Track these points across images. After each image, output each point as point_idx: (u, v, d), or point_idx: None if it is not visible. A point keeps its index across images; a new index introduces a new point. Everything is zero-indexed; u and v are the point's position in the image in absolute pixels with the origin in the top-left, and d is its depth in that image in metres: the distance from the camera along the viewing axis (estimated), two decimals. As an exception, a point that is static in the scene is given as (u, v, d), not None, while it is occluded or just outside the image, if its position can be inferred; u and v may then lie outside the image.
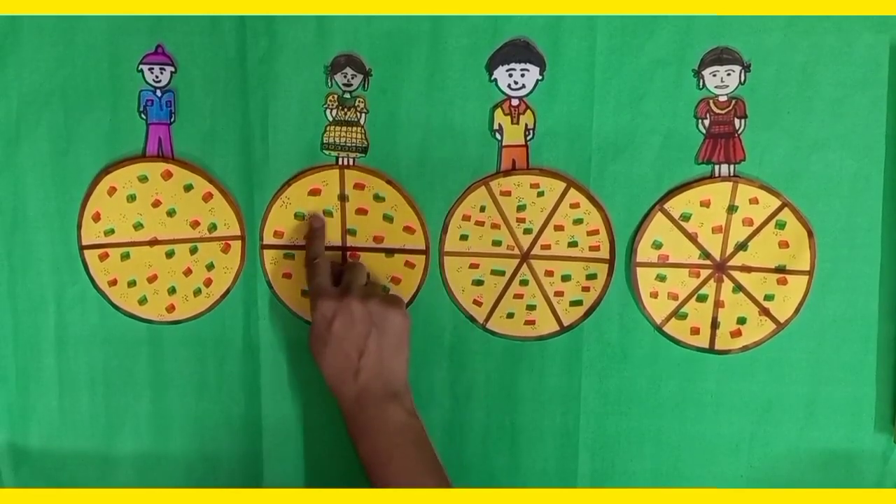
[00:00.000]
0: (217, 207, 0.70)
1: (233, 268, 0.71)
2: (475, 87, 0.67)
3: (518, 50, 0.66)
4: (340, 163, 0.69)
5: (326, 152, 0.69)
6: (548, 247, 0.69)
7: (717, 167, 0.67)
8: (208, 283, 0.71)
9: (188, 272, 0.71)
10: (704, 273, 0.68)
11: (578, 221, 0.68)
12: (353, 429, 0.64)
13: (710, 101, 0.66)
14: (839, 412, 0.69)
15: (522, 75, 0.67)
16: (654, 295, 0.68)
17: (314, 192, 0.69)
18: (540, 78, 0.67)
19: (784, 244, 0.67)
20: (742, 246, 0.67)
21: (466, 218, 0.69)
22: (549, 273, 0.69)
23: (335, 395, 0.65)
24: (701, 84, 0.66)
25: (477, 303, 0.70)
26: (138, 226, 0.70)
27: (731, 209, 0.67)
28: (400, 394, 0.65)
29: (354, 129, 0.68)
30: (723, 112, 0.66)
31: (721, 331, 0.68)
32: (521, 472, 0.72)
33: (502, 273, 0.69)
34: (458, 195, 0.68)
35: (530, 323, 0.70)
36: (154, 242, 0.71)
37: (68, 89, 0.69)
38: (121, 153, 0.70)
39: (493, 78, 0.67)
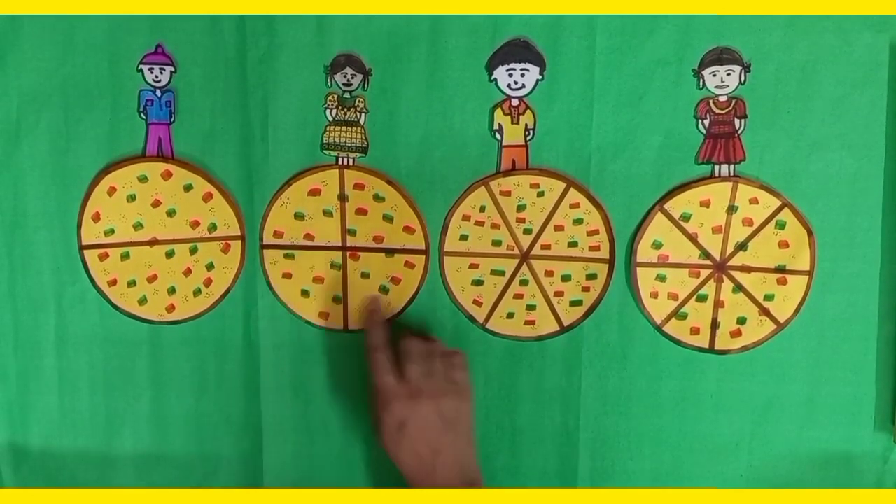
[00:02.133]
0: (217, 207, 0.70)
1: (233, 268, 0.71)
2: (475, 87, 0.67)
3: (518, 50, 0.66)
4: (340, 163, 0.69)
5: (326, 152, 0.69)
6: (548, 247, 0.69)
7: (717, 167, 0.67)
8: (208, 283, 0.71)
9: (188, 272, 0.71)
10: (704, 273, 0.68)
11: (578, 221, 0.68)
12: None
13: (710, 101, 0.66)
14: (839, 412, 0.69)
15: (522, 75, 0.67)
16: (654, 295, 0.68)
17: (314, 192, 0.69)
18: (540, 78, 0.67)
19: (784, 244, 0.67)
20: (742, 246, 0.67)
21: (466, 218, 0.69)
22: (549, 273, 0.69)
23: (413, 485, 0.64)
24: (701, 84, 0.66)
25: (477, 303, 0.70)
26: (138, 226, 0.70)
27: (731, 209, 0.67)
28: (476, 479, 0.64)
29: (354, 129, 0.68)
30: (723, 112, 0.66)
31: (721, 331, 0.68)
32: (521, 472, 0.72)
33: (502, 273, 0.69)
34: (458, 195, 0.68)
35: (530, 323, 0.70)
36: (154, 242, 0.71)
37: (68, 89, 0.69)
38: (121, 153, 0.70)
39: (493, 78, 0.67)
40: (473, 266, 0.69)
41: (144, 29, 0.68)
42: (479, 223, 0.69)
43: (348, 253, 0.70)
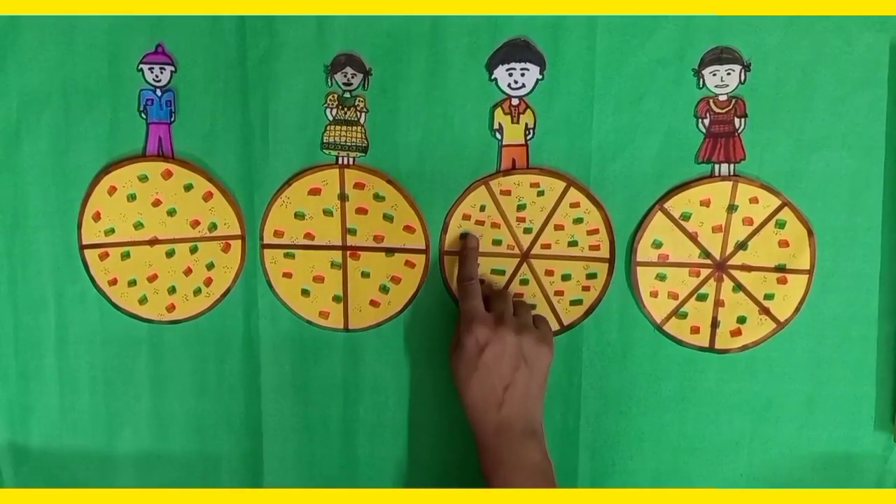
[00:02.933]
0: (217, 207, 0.70)
1: (233, 267, 0.71)
2: (475, 87, 0.67)
3: (518, 49, 0.66)
4: (340, 162, 0.69)
5: (326, 152, 0.69)
6: (548, 246, 0.69)
7: (717, 166, 0.67)
8: (208, 282, 0.71)
9: (188, 272, 0.71)
10: (704, 272, 0.68)
11: (578, 221, 0.68)
12: (489, 460, 0.63)
13: (710, 101, 0.66)
14: (839, 411, 0.69)
15: (522, 75, 0.67)
16: (654, 294, 0.68)
17: (314, 192, 0.69)
18: (540, 77, 0.67)
19: (784, 243, 0.67)
20: (742, 245, 0.67)
21: (466, 217, 0.69)
22: (549, 272, 0.69)
23: (472, 422, 0.64)
24: (701, 83, 0.66)
25: (477, 302, 0.70)
26: (138, 225, 0.70)
27: (731, 208, 0.67)
28: (538, 433, 0.64)
29: (354, 128, 0.68)
30: (723, 111, 0.66)
31: (721, 330, 0.68)
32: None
33: (502, 272, 0.69)
34: (458, 194, 0.68)
35: (530, 322, 0.70)
36: (154, 242, 0.71)
37: (68, 89, 0.69)
38: (121, 153, 0.70)
39: (493, 77, 0.67)
40: (473, 265, 0.70)
41: (144, 29, 0.68)
42: (480, 222, 0.69)
43: (348, 252, 0.70)
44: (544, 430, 0.65)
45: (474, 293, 0.66)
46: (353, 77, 0.67)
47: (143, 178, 0.70)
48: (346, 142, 0.68)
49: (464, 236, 0.69)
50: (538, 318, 0.68)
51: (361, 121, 0.68)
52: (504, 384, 0.63)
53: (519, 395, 0.63)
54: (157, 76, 0.68)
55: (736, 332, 0.68)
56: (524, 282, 0.69)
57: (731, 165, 0.67)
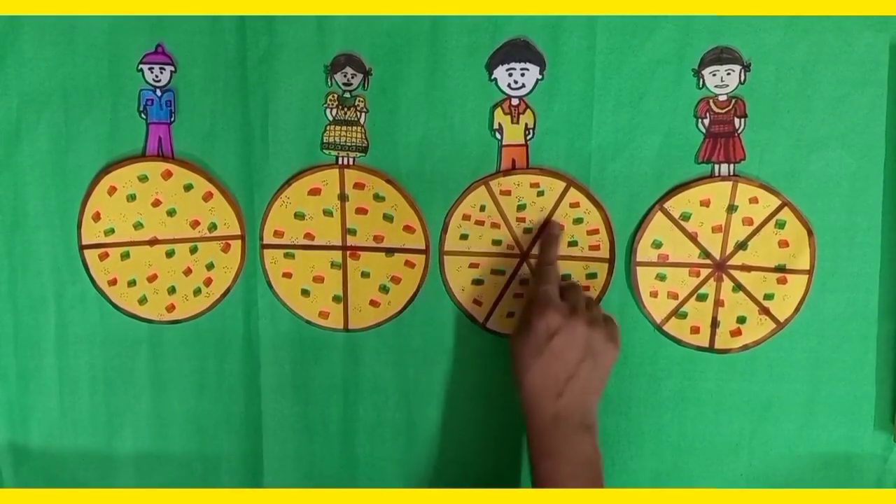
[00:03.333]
0: (217, 207, 0.70)
1: (233, 267, 0.71)
2: (475, 87, 0.67)
3: (518, 49, 0.66)
4: (340, 162, 0.69)
5: (326, 152, 0.69)
6: (548, 246, 0.69)
7: (716, 166, 0.67)
8: (208, 282, 0.71)
9: (188, 272, 0.71)
10: (704, 272, 0.68)
11: (578, 221, 0.68)
12: (540, 447, 0.62)
13: (710, 101, 0.66)
14: (839, 411, 0.69)
15: (522, 75, 0.67)
16: (654, 294, 0.68)
17: (314, 192, 0.69)
18: (540, 77, 0.67)
19: (784, 243, 0.67)
20: (742, 245, 0.67)
21: (466, 217, 0.69)
22: (549, 272, 0.69)
23: (528, 407, 0.63)
24: (701, 83, 0.66)
25: (477, 302, 0.70)
26: (138, 225, 0.70)
27: (731, 208, 0.67)
28: (592, 428, 0.64)
29: (354, 128, 0.68)
30: (723, 111, 0.66)
31: (721, 330, 0.68)
32: (521, 471, 0.72)
33: (502, 272, 0.69)
34: (458, 194, 0.68)
35: (530, 322, 0.70)
36: (154, 242, 0.71)
37: (68, 89, 0.69)
38: (121, 153, 0.70)
39: (492, 77, 0.67)
40: (473, 265, 0.69)
41: (144, 29, 0.68)
42: (480, 222, 0.69)
43: (348, 252, 0.70)
44: (598, 426, 0.64)
45: (551, 277, 0.66)
46: (353, 77, 0.67)
47: (143, 178, 0.70)
48: (346, 142, 0.68)
49: (548, 223, 0.68)
50: (607, 316, 0.67)
51: (361, 121, 0.68)
52: (568, 374, 0.62)
53: (580, 388, 0.63)
54: (157, 76, 0.68)
55: (736, 332, 0.68)
56: (524, 282, 0.69)
57: (731, 165, 0.67)
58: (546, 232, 0.68)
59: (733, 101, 0.66)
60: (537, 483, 0.62)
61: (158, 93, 0.69)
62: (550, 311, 0.62)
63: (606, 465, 0.70)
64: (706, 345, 0.69)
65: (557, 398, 0.62)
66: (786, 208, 0.66)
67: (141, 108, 0.69)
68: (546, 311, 0.62)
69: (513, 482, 0.72)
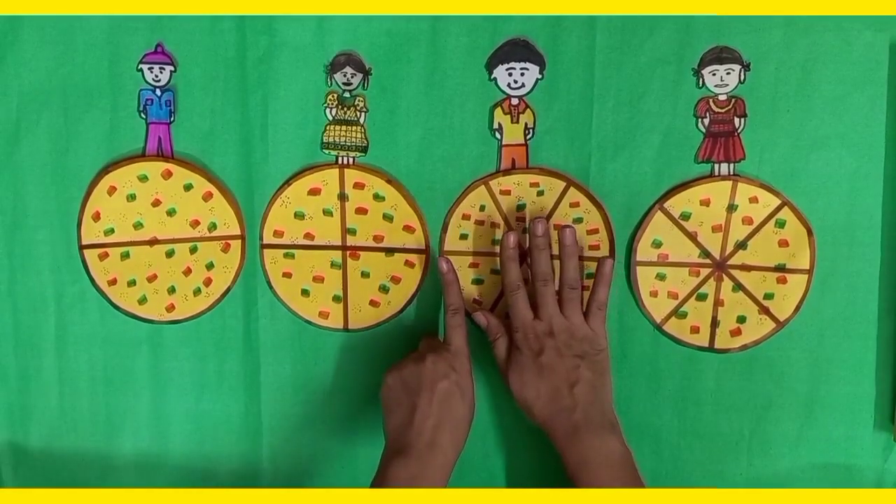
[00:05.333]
0: (217, 207, 0.70)
1: (233, 267, 0.71)
2: (475, 87, 0.67)
3: (518, 49, 0.67)
4: (340, 162, 0.69)
5: (326, 151, 0.69)
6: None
7: (716, 166, 0.67)
8: (208, 282, 0.71)
9: (188, 272, 0.71)
10: (704, 272, 0.68)
11: (578, 220, 0.68)
12: (571, 462, 0.62)
13: (710, 100, 0.66)
14: (839, 410, 0.69)
15: (522, 74, 0.67)
16: (654, 294, 0.68)
17: (314, 192, 0.69)
18: (540, 77, 0.67)
19: (784, 243, 0.67)
20: (742, 245, 0.67)
21: (466, 217, 0.69)
22: (549, 272, 0.69)
23: (546, 427, 0.64)
24: (700, 83, 0.66)
25: (477, 302, 0.70)
26: (138, 225, 0.70)
27: (731, 208, 0.67)
28: (615, 423, 0.64)
29: (354, 128, 0.68)
30: (722, 111, 0.66)
31: (721, 329, 0.68)
32: (522, 472, 0.72)
33: (502, 272, 0.69)
34: (458, 194, 0.68)
35: (530, 322, 0.70)
36: (154, 242, 0.71)
37: (68, 89, 0.69)
38: (121, 152, 0.70)
39: (492, 77, 0.67)
40: (473, 265, 0.69)
41: (144, 29, 0.68)
42: (479, 222, 0.69)
43: (348, 252, 0.70)
44: (618, 417, 0.64)
45: (519, 301, 0.65)
46: (352, 77, 0.68)
47: (143, 178, 0.70)
48: (345, 142, 0.68)
49: (510, 237, 0.66)
50: (588, 307, 0.66)
51: (361, 120, 0.68)
52: (569, 383, 0.63)
53: (587, 390, 0.63)
54: (156, 76, 0.68)
55: (736, 332, 0.68)
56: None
57: (731, 165, 0.67)
58: (505, 248, 0.66)
59: (733, 100, 0.66)
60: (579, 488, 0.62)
61: (158, 92, 0.69)
62: (527, 334, 0.64)
63: (606, 465, 0.70)
64: (706, 344, 0.69)
65: (572, 410, 0.63)
66: (786, 208, 0.66)
67: (141, 108, 0.69)
68: (525, 335, 0.64)
69: (512, 482, 0.72)
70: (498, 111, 0.67)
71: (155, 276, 0.71)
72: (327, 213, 0.69)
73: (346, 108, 0.68)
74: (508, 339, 0.66)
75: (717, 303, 0.68)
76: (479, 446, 0.71)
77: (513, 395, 0.65)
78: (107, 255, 0.71)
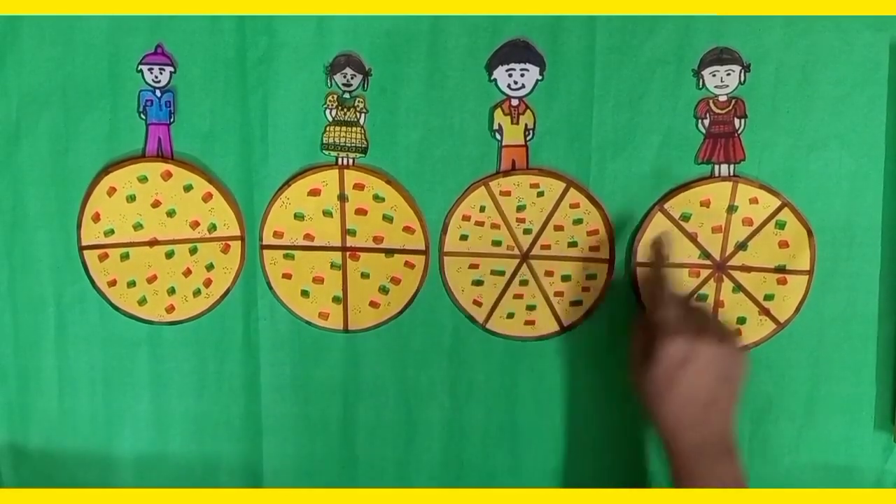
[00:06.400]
0: (217, 207, 0.70)
1: (232, 268, 0.71)
2: (475, 87, 0.67)
3: (517, 50, 0.66)
4: (340, 163, 0.69)
5: (326, 152, 0.69)
6: (547, 247, 0.69)
7: (716, 167, 0.67)
8: (208, 283, 0.71)
9: (188, 272, 0.71)
10: (704, 273, 0.68)
11: (578, 221, 0.68)
12: (682, 476, 0.60)
13: (710, 101, 0.66)
14: (839, 411, 0.69)
15: (522, 75, 0.67)
16: (654, 294, 0.68)
17: (314, 193, 0.69)
18: (539, 78, 0.67)
19: (784, 244, 0.67)
20: (742, 246, 0.67)
21: (466, 218, 0.69)
22: (549, 273, 0.69)
23: (667, 438, 0.61)
24: (700, 84, 0.66)
25: (477, 303, 0.70)
26: (138, 226, 0.70)
27: (731, 209, 0.67)
28: (734, 450, 0.61)
29: (354, 129, 0.68)
30: (722, 112, 0.66)
31: (721, 330, 0.68)
32: (521, 472, 0.72)
33: (502, 273, 0.69)
34: (458, 195, 0.68)
35: (530, 323, 0.70)
36: (154, 243, 0.71)
37: (68, 89, 0.69)
38: (120, 153, 0.70)
39: (492, 78, 0.67)
40: (473, 266, 0.69)
41: (144, 29, 0.68)
42: (479, 223, 0.69)
43: (348, 253, 0.70)
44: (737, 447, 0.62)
45: (670, 301, 0.63)
46: (352, 77, 0.67)
47: (143, 179, 0.69)
48: (345, 142, 0.68)
49: (660, 235, 0.66)
50: (730, 326, 0.64)
51: (361, 121, 0.68)
52: (704, 401, 0.59)
53: (721, 411, 0.60)
54: (156, 76, 0.68)
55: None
56: (524, 282, 0.69)
57: (731, 166, 0.67)
58: (655, 246, 0.65)
59: (733, 101, 0.66)
60: None
61: (158, 93, 0.69)
62: (677, 339, 0.59)
63: (606, 465, 0.71)
64: (706, 345, 0.69)
65: (698, 427, 0.60)
66: (786, 209, 0.66)
67: (140, 109, 0.69)
68: (672, 340, 0.59)
69: (512, 482, 0.72)
70: (498, 112, 0.67)
71: (155, 277, 0.71)
72: (327, 213, 0.69)
73: (345, 109, 0.68)
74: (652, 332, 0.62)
75: (718, 304, 0.68)
76: (479, 446, 0.71)
77: (636, 388, 0.62)
78: (107, 255, 0.71)
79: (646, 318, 0.65)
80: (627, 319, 0.69)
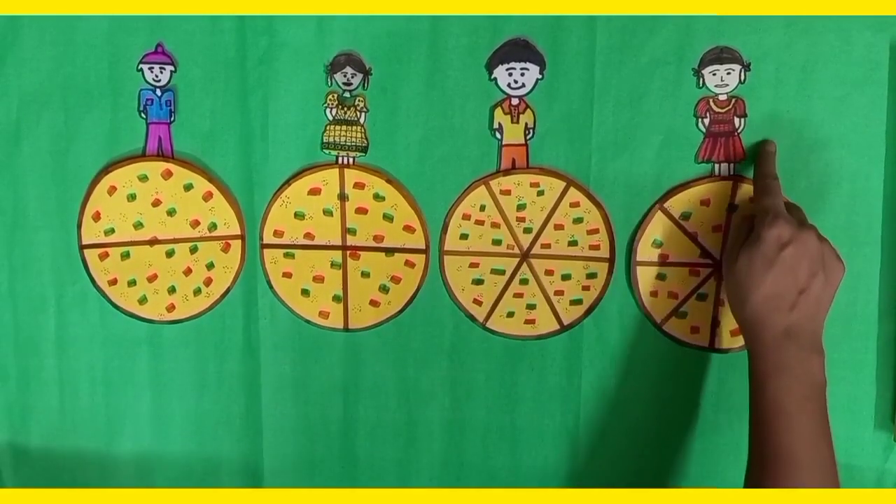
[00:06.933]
0: (217, 207, 0.70)
1: (233, 267, 0.71)
2: (475, 87, 0.67)
3: (518, 49, 0.66)
4: (340, 162, 0.69)
5: (326, 151, 0.69)
6: (548, 246, 0.69)
7: (717, 166, 0.67)
8: (208, 282, 0.71)
9: (188, 272, 0.71)
10: (704, 272, 0.68)
11: (578, 220, 0.68)
12: (770, 364, 0.60)
13: (710, 100, 0.66)
14: (839, 411, 0.68)
15: (522, 74, 0.67)
16: (654, 294, 0.68)
17: (314, 192, 0.69)
18: (540, 77, 0.67)
19: (784, 243, 0.67)
20: (742, 245, 0.67)
21: (466, 217, 0.69)
22: (549, 272, 0.69)
23: (757, 321, 0.60)
24: (701, 83, 0.66)
25: (477, 302, 0.70)
26: (138, 225, 0.70)
27: (732, 208, 0.67)
28: (822, 352, 0.60)
29: (354, 128, 0.68)
30: (723, 111, 0.66)
31: (721, 329, 0.68)
32: (521, 472, 0.72)
33: (502, 272, 0.69)
34: (458, 194, 0.68)
35: (530, 322, 0.70)
36: (154, 242, 0.71)
37: (68, 89, 0.69)
38: (121, 152, 0.70)
39: (492, 77, 0.67)
40: (473, 265, 0.69)
41: (144, 29, 0.68)
42: (479, 222, 0.69)
43: (348, 252, 0.70)
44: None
45: (776, 191, 0.63)
46: (352, 77, 0.68)
47: (143, 178, 0.70)
48: (346, 142, 0.68)
49: (764, 143, 0.66)
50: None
51: (361, 120, 0.68)
52: (800, 287, 0.60)
53: (812, 303, 0.60)
54: (156, 76, 0.68)
55: (736, 332, 0.68)
56: (524, 281, 0.69)
57: (732, 165, 0.67)
58: (761, 149, 0.65)
59: (733, 100, 0.66)
60: (764, 404, 0.60)
61: (158, 92, 0.69)
62: (781, 222, 0.60)
63: (606, 465, 0.70)
64: (706, 345, 0.69)
65: (790, 311, 0.60)
66: (786, 208, 0.66)
67: (141, 108, 0.69)
68: (776, 222, 0.60)
69: (512, 482, 0.72)
70: (498, 111, 0.67)
71: (155, 276, 0.71)
72: (327, 212, 0.70)
73: (346, 108, 0.68)
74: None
75: (718, 303, 0.68)
76: (479, 446, 0.71)
77: (728, 273, 0.63)
78: (107, 254, 0.71)
79: (750, 204, 0.65)
80: (627, 319, 0.69)
